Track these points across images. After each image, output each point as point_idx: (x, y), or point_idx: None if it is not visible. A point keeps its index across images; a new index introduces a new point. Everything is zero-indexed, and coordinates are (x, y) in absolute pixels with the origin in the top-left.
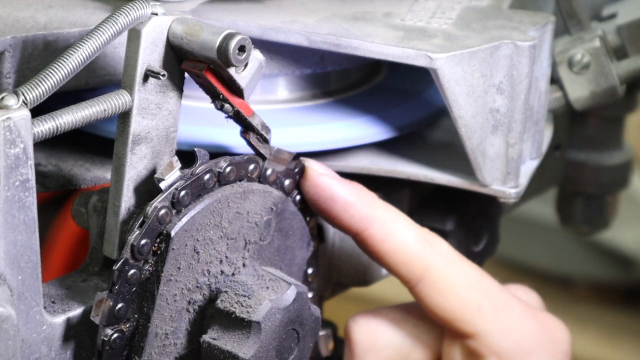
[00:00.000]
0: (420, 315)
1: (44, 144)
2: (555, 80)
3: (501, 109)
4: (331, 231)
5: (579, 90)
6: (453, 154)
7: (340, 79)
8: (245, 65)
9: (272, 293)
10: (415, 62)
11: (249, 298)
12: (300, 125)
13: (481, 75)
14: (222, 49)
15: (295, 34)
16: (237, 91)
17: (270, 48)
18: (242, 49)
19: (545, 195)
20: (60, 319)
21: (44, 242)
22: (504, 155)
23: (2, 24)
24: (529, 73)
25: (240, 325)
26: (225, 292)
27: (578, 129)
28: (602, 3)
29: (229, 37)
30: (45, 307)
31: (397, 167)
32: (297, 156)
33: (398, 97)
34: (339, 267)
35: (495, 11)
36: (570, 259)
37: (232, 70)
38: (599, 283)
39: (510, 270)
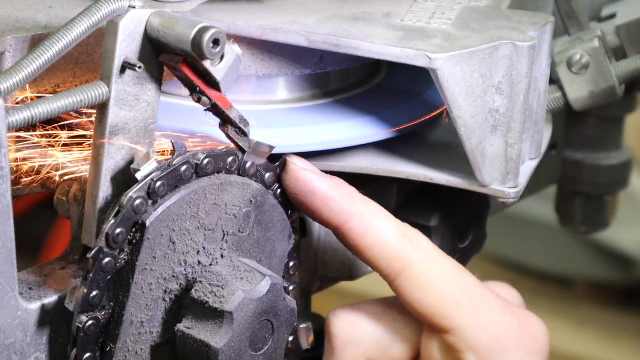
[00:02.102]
0: (400, 309)
1: None
2: (554, 80)
3: (500, 109)
4: (317, 225)
5: (578, 90)
6: (452, 154)
7: (340, 80)
8: (222, 59)
9: (246, 284)
10: (415, 63)
11: (222, 288)
12: (300, 126)
13: (480, 75)
14: (196, 41)
15: (295, 34)
16: (214, 84)
17: (270, 48)
18: (216, 42)
19: (545, 195)
20: (35, 305)
21: (46, 239)
22: (503, 156)
23: (3, 25)
24: (529, 73)
25: (214, 315)
26: (200, 282)
27: (577, 129)
28: (601, 4)
29: (203, 30)
30: (21, 294)
31: (397, 167)
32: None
33: (398, 97)
34: (325, 261)
35: (495, 11)
36: (570, 259)
37: (207, 63)
38: (598, 283)
39: (509, 270)
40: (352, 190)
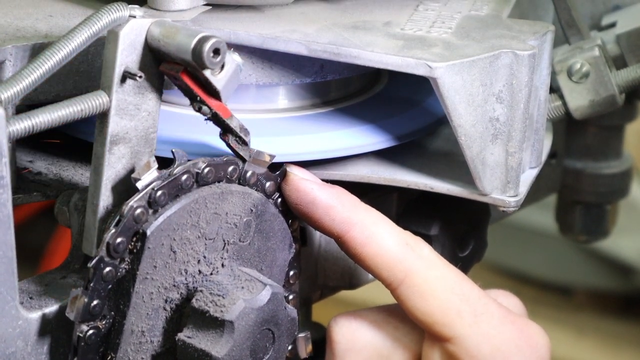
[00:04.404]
0: (401, 317)
1: (45, 154)
2: (554, 89)
3: (501, 118)
4: (317, 234)
5: (578, 99)
6: (453, 162)
7: (340, 88)
8: (222, 68)
9: (246, 293)
10: (415, 71)
11: (223, 297)
12: (300, 134)
13: (481, 84)
14: (197, 51)
15: (295, 43)
16: (214, 93)
17: (270, 57)
18: (216, 51)
19: (545, 204)
20: (36, 315)
21: (47, 247)
22: (503, 164)
23: (3, 33)
24: (529, 82)
25: (214, 324)
26: (201, 291)
27: (577, 138)
28: (602, 12)
29: (203, 39)
30: (22, 303)
31: (397, 176)
32: (280, 164)
33: (398, 106)
34: (325, 270)
35: (495, 20)
36: (570, 268)
37: (207, 73)
38: (599, 291)
39: (509, 279)
40: (353, 199)
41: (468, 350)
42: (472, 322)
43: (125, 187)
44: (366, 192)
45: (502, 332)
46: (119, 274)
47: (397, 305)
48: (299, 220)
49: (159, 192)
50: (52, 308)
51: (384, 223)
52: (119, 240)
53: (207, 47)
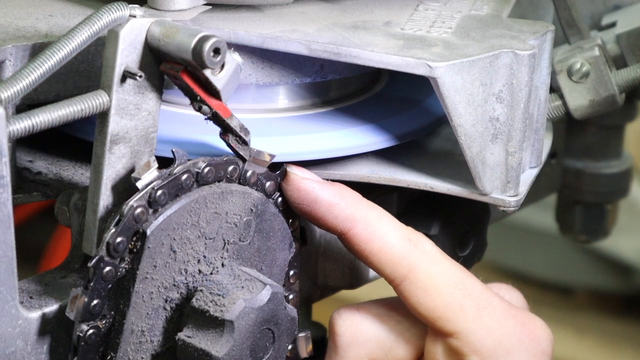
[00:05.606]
0: (404, 311)
1: (45, 154)
2: (554, 88)
3: (501, 118)
4: (317, 234)
5: (578, 99)
6: (453, 162)
7: (341, 88)
8: (222, 67)
9: (246, 293)
10: (415, 71)
11: (223, 297)
12: (300, 134)
13: (481, 84)
14: (197, 50)
15: (295, 43)
16: (214, 93)
17: (270, 57)
18: (216, 51)
19: (545, 204)
20: (36, 314)
21: (47, 245)
22: (503, 164)
23: (3, 33)
24: (529, 82)
25: (214, 323)
26: (201, 291)
27: (577, 138)
28: (602, 12)
29: (203, 39)
30: (22, 302)
31: (397, 176)
32: (280, 164)
33: (398, 105)
34: (325, 270)
35: (495, 20)
36: (570, 268)
37: (207, 72)
38: (599, 291)
39: (509, 279)
40: (355, 196)
41: (471, 345)
42: (475, 316)
43: (126, 186)
44: (367, 191)
45: (505, 326)
46: (119, 273)
47: (400, 299)
48: (299, 220)
49: (159, 192)
50: (52, 308)
51: (386, 219)
52: (119, 239)
53: (207, 46)
